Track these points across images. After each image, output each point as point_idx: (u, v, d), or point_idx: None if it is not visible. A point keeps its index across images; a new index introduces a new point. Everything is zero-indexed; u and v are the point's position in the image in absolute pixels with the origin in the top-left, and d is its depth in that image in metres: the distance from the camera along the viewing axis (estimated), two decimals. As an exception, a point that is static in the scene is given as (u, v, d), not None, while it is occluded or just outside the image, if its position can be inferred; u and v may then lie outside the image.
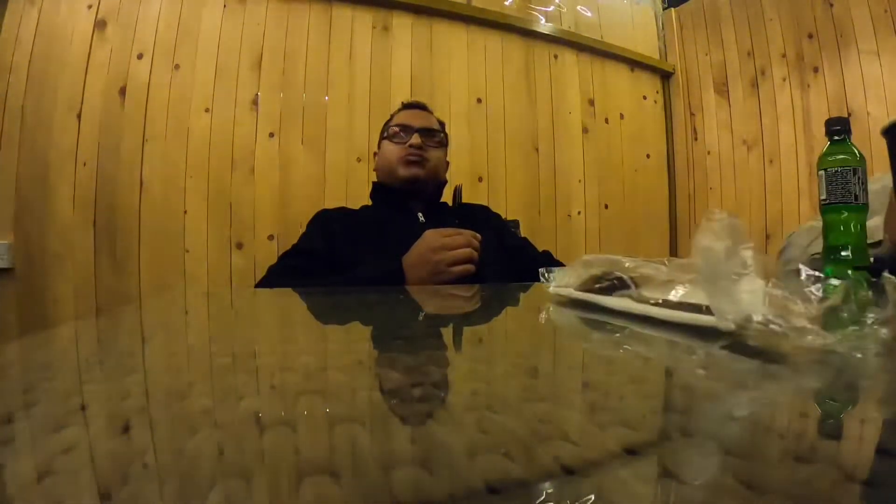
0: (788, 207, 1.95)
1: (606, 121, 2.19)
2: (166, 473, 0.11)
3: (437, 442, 0.13)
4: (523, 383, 0.20)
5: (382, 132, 1.24)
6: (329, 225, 1.11)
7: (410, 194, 1.16)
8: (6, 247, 1.38)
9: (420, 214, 1.14)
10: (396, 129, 1.18)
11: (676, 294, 0.34)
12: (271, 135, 1.65)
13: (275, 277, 1.01)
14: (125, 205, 1.49)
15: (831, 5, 1.82)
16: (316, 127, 1.70)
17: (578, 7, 2.21)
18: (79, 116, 1.47)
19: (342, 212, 1.19)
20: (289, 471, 0.11)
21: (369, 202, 1.24)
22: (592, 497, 0.10)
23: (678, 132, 2.32)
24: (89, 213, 1.46)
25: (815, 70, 1.87)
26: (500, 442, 0.12)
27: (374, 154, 1.26)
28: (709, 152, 2.23)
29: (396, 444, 0.13)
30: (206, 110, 1.59)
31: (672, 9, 2.39)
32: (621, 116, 2.23)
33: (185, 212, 1.54)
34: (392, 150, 1.16)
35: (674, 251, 2.30)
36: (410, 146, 1.14)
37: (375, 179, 1.23)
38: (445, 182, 1.25)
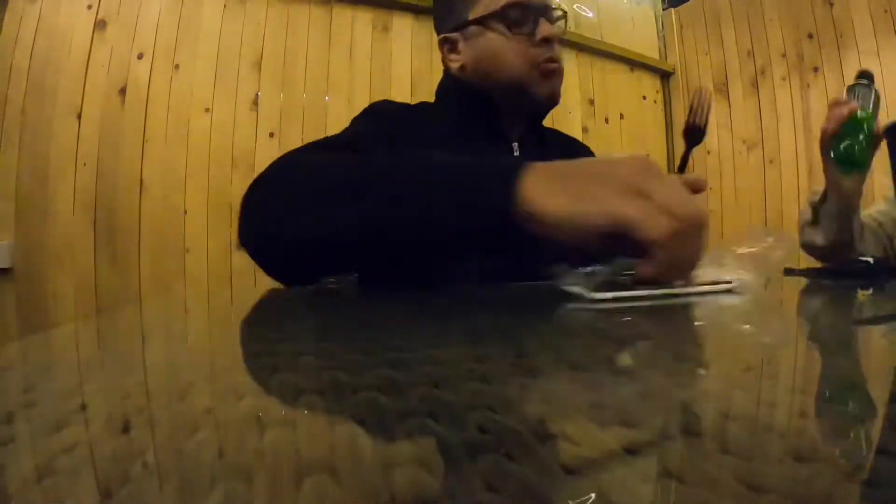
0: (788, 207, 1.95)
1: (606, 121, 2.19)
2: (166, 473, 0.11)
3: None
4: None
5: (467, 4, 0.75)
6: (392, 125, 0.72)
7: (514, 116, 0.77)
8: (6, 247, 1.38)
9: (515, 146, 0.78)
10: (518, 10, 0.72)
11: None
12: (271, 135, 1.65)
13: (284, 173, 0.54)
14: (125, 205, 1.49)
15: (831, 5, 1.82)
16: (316, 127, 1.70)
17: (578, 7, 2.21)
18: (79, 116, 1.47)
19: (410, 112, 0.78)
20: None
21: (427, 99, 0.84)
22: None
23: (678, 132, 2.32)
24: (89, 213, 1.46)
25: (815, 70, 1.87)
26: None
27: (443, 41, 0.79)
28: (708, 152, 2.23)
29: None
30: (206, 110, 1.59)
31: (672, 9, 2.39)
32: (621, 116, 2.23)
33: (186, 212, 1.54)
34: (517, 49, 0.72)
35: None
36: (544, 40, 0.72)
37: (460, 76, 0.78)
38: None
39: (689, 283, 0.38)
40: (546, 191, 0.39)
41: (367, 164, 0.48)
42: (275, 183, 0.53)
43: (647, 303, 0.37)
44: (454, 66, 0.79)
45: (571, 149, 0.89)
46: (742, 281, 0.39)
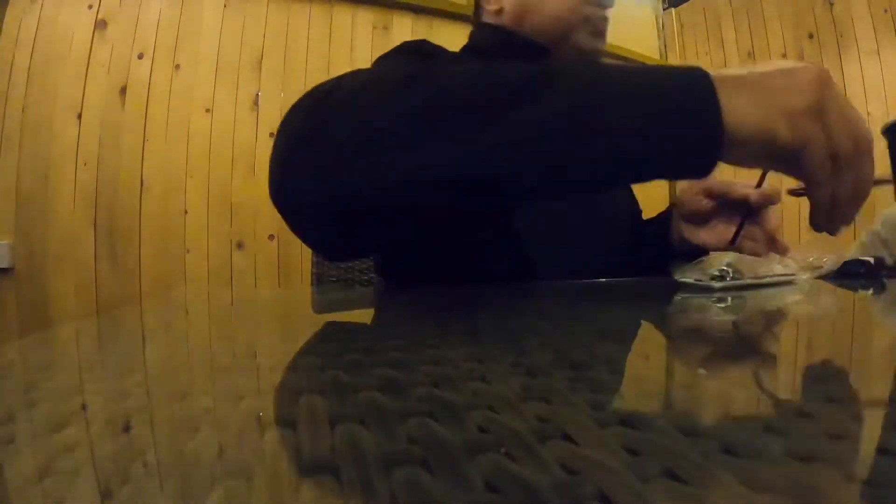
0: (788, 207, 1.95)
1: (606, 121, 2.19)
2: (167, 473, 0.11)
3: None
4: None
5: None
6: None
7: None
8: (6, 247, 1.38)
9: None
10: None
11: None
12: (272, 135, 1.64)
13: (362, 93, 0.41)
14: (126, 205, 1.49)
15: (831, 5, 1.82)
16: (316, 127, 1.70)
17: (578, 7, 2.21)
18: (79, 116, 1.47)
19: (447, 55, 0.70)
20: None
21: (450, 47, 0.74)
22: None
23: (678, 132, 2.32)
24: (90, 213, 1.46)
25: (816, 70, 1.87)
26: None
27: None
28: (709, 152, 2.23)
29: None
30: (207, 110, 1.59)
31: (672, 9, 2.39)
32: (621, 116, 2.23)
33: (186, 212, 1.54)
34: (570, 1, 0.67)
35: (674, 251, 2.30)
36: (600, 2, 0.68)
37: (497, 23, 0.73)
38: None
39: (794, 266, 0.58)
40: (738, 104, 0.34)
41: (531, 75, 0.37)
42: (352, 106, 0.40)
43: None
44: (491, 8, 0.73)
45: None
46: (800, 276, 0.57)
